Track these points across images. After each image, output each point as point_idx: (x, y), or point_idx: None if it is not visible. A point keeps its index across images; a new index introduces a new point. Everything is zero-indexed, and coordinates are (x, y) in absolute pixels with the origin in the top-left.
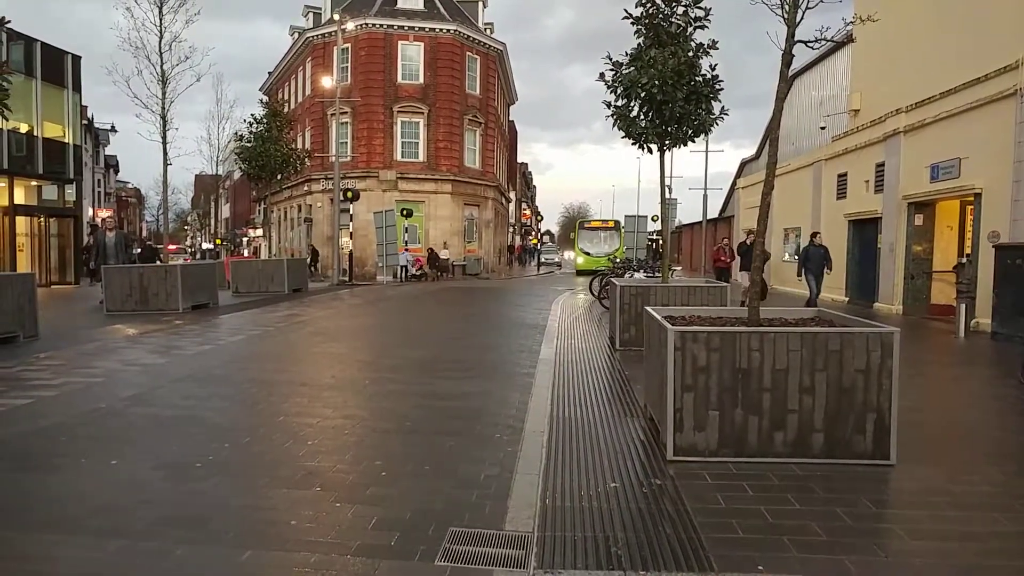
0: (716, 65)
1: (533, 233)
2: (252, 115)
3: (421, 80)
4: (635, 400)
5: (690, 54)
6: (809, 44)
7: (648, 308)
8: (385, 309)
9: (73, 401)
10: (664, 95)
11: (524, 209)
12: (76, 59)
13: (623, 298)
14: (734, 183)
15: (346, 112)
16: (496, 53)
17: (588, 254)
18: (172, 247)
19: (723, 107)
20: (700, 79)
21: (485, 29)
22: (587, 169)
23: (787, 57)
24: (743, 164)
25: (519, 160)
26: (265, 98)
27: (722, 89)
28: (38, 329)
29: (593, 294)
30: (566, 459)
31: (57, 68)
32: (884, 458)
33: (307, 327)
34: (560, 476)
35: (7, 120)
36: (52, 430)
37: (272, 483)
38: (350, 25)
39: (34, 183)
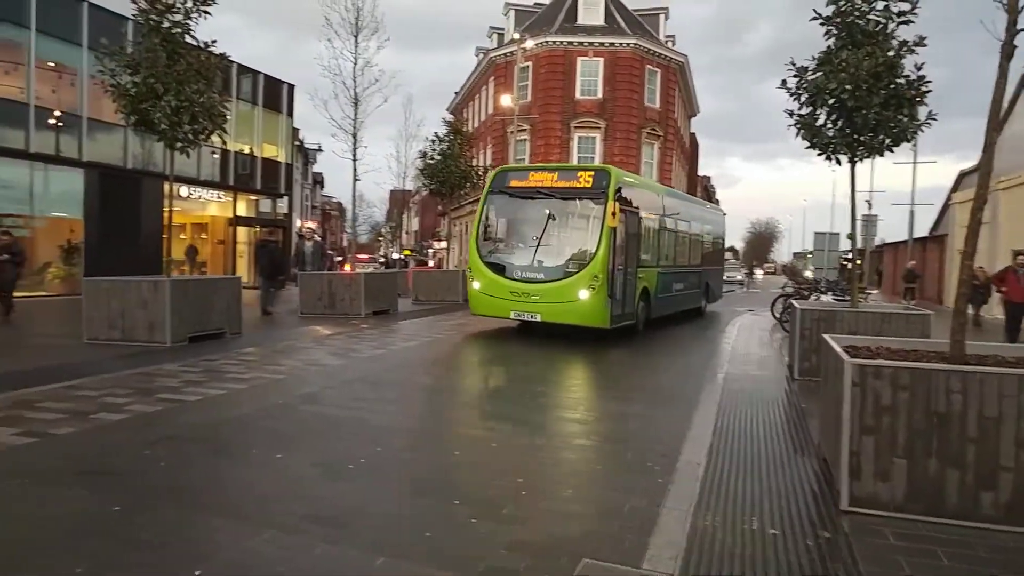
0: (923, 65)
1: None
2: (435, 133)
3: (599, 95)
4: (809, 437)
5: (890, 53)
6: None
7: (826, 336)
8: None
9: (257, 395)
10: (856, 101)
11: None
12: (291, 87)
13: (804, 323)
14: (949, 197)
15: (524, 129)
16: (677, 65)
17: (497, 269)
18: (363, 257)
19: (930, 112)
20: (902, 81)
21: (666, 41)
22: (780, 183)
23: (1008, 48)
24: (961, 175)
25: (702, 173)
26: (450, 117)
27: (929, 91)
28: (241, 327)
29: (775, 316)
30: (722, 496)
31: (275, 96)
32: None
33: (475, 337)
34: (712, 515)
35: (224, 143)
36: (235, 421)
37: (414, 491)
38: (530, 43)
39: (253, 197)
